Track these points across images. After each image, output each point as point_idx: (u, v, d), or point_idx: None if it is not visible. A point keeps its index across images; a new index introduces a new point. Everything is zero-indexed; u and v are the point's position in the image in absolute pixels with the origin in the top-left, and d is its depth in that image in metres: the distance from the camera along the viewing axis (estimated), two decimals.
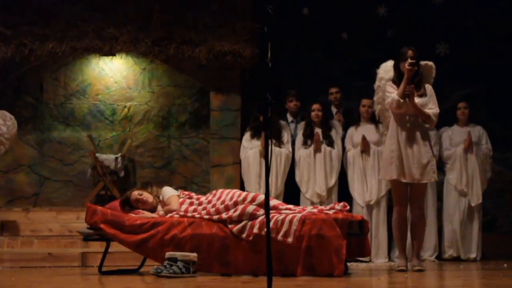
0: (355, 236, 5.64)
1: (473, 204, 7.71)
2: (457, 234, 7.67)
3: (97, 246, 7.04)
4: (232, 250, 5.58)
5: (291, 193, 7.63)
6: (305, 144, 7.65)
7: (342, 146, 7.72)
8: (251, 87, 8.22)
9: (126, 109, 8.85)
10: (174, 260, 5.33)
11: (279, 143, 7.62)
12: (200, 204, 5.91)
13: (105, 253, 5.95)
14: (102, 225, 5.77)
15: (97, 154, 8.44)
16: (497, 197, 8.57)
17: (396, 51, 6.01)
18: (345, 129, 7.89)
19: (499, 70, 8.65)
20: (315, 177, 7.56)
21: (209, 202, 5.87)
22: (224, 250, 5.59)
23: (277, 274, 5.21)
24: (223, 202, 5.76)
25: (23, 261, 7.07)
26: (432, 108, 5.89)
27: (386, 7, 8.94)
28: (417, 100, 5.84)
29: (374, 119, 7.52)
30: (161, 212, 6.01)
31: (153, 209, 6.08)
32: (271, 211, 5.57)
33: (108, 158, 8.40)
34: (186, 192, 6.21)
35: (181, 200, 6.03)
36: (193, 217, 5.79)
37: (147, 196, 6.08)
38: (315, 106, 7.66)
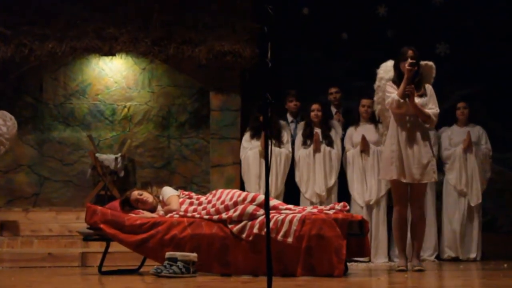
0: (355, 236, 5.64)
1: (472, 204, 7.71)
2: (456, 235, 7.67)
3: (97, 246, 7.04)
4: (232, 250, 5.58)
5: (291, 193, 7.63)
6: (304, 144, 7.66)
7: (341, 146, 7.72)
8: (251, 87, 8.22)
9: (126, 109, 8.85)
10: (174, 260, 5.33)
11: (279, 143, 7.62)
12: (200, 204, 5.91)
13: (105, 253, 5.95)
14: (102, 225, 5.77)
15: (97, 154, 8.43)
16: (497, 197, 8.57)
17: (396, 51, 6.01)
18: (344, 129, 7.89)
19: (499, 70, 8.65)
20: (314, 177, 7.56)
21: (209, 202, 5.87)
22: (224, 250, 5.58)
23: (277, 274, 5.21)
24: (223, 202, 5.76)
25: (23, 261, 7.07)
26: (432, 108, 5.89)
27: (386, 7, 8.94)
28: (417, 100, 5.84)
29: (373, 119, 7.52)
30: (161, 212, 6.01)
31: (153, 209, 6.07)
32: (271, 211, 5.56)
33: (108, 158, 8.40)
34: (186, 192, 6.21)
35: (181, 200, 6.03)
36: (193, 217, 5.79)
37: (147, 196, 6.08)
38: (315, 106, 7.66)
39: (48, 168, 8.69)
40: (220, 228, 5.65)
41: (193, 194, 6.15)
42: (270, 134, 3.96)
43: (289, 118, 8.04)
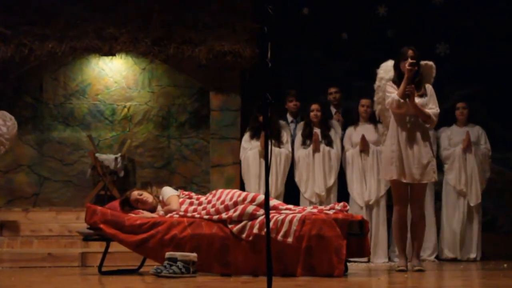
0: (355, 236, 5.64)
1: (472, 204, 7.71)
2: (456, 235, 7.67)
3: (97, 246, 7.04)
4: (232, 250, 5.57)
5: (291, 193, 7.62)
6: (304, 144, 7.65)
7: (341, 146, 7.71)
8: (251, 87, 8.22)
9: (126, 109, 8.85)
10: (174, 260, 5.33)
11: (279, 143, 7.61)
12: (200, 204, 5.91)
13: (105, 253, 5.95)
14: (102, 225, 5.76)
15: (97, 154, 8.43)
16: (497, 197, 8.57)
17: (396, 51, 6.01)
18: (344, 129, 7.88)
19: (499, 70, 8.65)
20: (314, 177, 7.56)
21: (209, 202, 5.87)
22: (224, 250, 5.58)
23: (277, 274, 5.20)
24: (223, 202, 5.76)
25: (22, 261, 7.07)
26: (432, 108, 5.89)
27: (386, 7, 8.94)
28: (417, 100, 5.83)
29: (372, 119, 7.52)
30: (161, 212, 6.00)
31: (153, 209, 6.07)
32: (271, 211, 5.56)
33: (108, 158, 8.40)
34: (186, 192, 6.21)
35: (181, 200, 6.03)
36: (193, 217, 5.78)
37: (147, 196, 6.08)
38: (314, 106, 7.65)
39: (48, 168, 8.69)
40: (220, 228, 5.65)
41: (193, 194, 6.14)
42: (269, 134, 3.96)
43: (289, 118, 8.04)
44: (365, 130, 7.60)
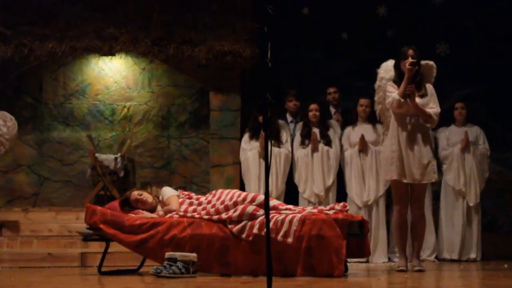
0: (355, 237, 5.63)
1: (471, 204, 7.70)
2: (456, 235, 7.67)
3: (96, 246, 7.04)
4: (232, 250, 5.57)
5: (290, 194, 7.62)
6: (302, 144, 7.65)
7: (340, 145, 7.70)
8: (251, 87, 8.22)
9: (125, 109, 8.84)
10: (173, 260, 5.33)
11: (278, 143, 7.60)
12: (199, 204, 5.91)
13: (105, 253, 5.94)
14: (101, 225, 5.76)
15: (97, 154, 8.43)
16: (497, 197, 8.57)
17: (396, 51, 6.00)
18: (343, 129, 7.87)
19: (499, 70, 8.65)
20: (313, 177, 7.55)
21: (209, 202, 5.86)
22: (224, 251, 5.58)
23: (277, 275, 5.20)
24: (222, 202, 5.76)
25: (22, 261, 7.06)
26: (433, 107, 5.89)
27: (386, 7, 8.93)
28: (418, 100, 5.83)
29: (371, 119, 7.52)
30: (161, 212, 6.00)
31: (152, 209, 6.07)
32: (271, 212, 5.56)
33: (107, 158, 8.40)
34: (186, 192, 6.21)
35: (180, 200, 6.02)
36: (192, 217, 5.78)
37: (146, 196, 6.07)
38: (313, 106, 7.65)
39: (47, 168, 8.69)
40: (220, 228, 5.64)
41: (192, 194, 6.14)
42: (269, 134, 3.96)
43: (289, 118, 8.04)
44: (364, 130, 7.59)
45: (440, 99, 6.02)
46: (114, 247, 6.13)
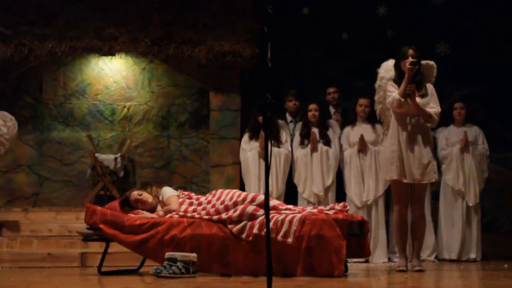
0: (355, 237, 5.63)
1: (470, 204, 7.70)
2: (455, 235, 7.66)
3: (96, 247, 7.03)
4: (232, 250, 5.57)
5: (290, 193, 7.61)
6: (302, 144, 7.64)
7: (339, 145, 7.69)
8: (251, 87, 8.21)
9: (125, 109, 8.84)
10: (173, 260, 5.32)
11: (278, 143, 7.59)
12: (199, 204, 5.91)
13: (105, 253, 5.94)
14: (101, 226, 5.76)
15: (97, 154, 8.43)
16: (497, 197, 8.57)
17: (396, 51, 6.00)
18: (343, 129, 7.86)
19: (499, 70, 8.65)
20: (312, 177, 7.54)
21: (209, 202, 5.86)
22: (224, 251, 5.58)
23: (277, 275, 5.20)
24: (222, 202, 5.75)
25: (22, 261, 7.06)
26: (433, 107, 5.88)
27: (386, 7, 8.93)
28: (418, 100, 5.83)
29: (370, 119, 7.52)
30: (161, 213, 6.00)
31: (152, 209, 6.07)
32: (271, 212, 5.56)
33: (107, 158, 8.39)
34: (186, 192, 6.20)
35: (180, 200, 6.02)
36: (192, 217, 5.78)
37: (146, 196, 6.07)
38: (312, 106, 7.65)
39: (47, 168, 8.69)
40: (220, 228, 5.64)
41: (192, 194, 6.14)
42: (269, 134, 3.96)
43: (288, 118, 8.03)
44: (363, 130, 7.59)
45: (440, 99, 6.02)
46: (114, 247, 6.12)
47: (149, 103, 8.85)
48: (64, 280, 5.44)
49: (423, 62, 6.01)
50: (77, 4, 8.34)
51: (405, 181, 5.87)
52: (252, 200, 5.69)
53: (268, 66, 3.86)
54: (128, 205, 6.06)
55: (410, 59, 5.81)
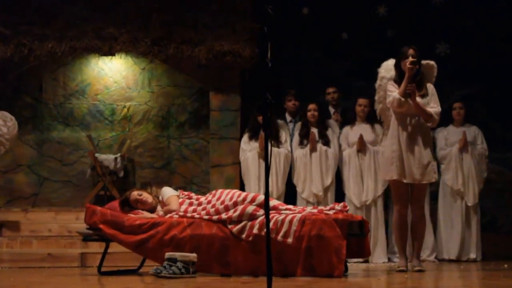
0: (355, 237, 5.63)
1: (469, 204, 7.70)
2: (455, 236, 7.66)
3: (96, 247, 7.03)
4: (232, 250, 5.57)
5: (289, 193, 7.61)
6: (301, 144, 7.64)
7: (338, 145, 7.69)
8: (251, 87, 8.21)
9: (125, 109, 8.84)
10: (173, 260, 5.32)
11: (277, 143, 7.58)
12: (199, 204, 5.90)
13: (105, 253, 5.94)
14: (101, 226, 5.76)
15: (97, 154, 8.42)
16: (497, 197, 8.56)
17: (396, 51, 6.00)
18: (342, 129, 7.86)
19: (499, 70, 8.65)
20: (311, 177, 7.54)
21: (209, 202, 5.86)
22: (223, 251, 5.57)
23: (277, 275, 5.19)
24: (222, 203, 5.75)
25: (22, 262, 7.06)
26: (434, 107, 5.88)
27: (386, 7, 8.93)
28: (419, 99, 5.82)
29: (370, 119, 7.52)
30: (161, 213, 5.99)
31: (152, 210, 6.06)
32: (270, 212, 5.56)
33: (107, 158, 8.39)
34: (186, 193, 6.20)
35: (180, 200, 6.02)
36: (192, 217, 5.78)
37: (146, 196, 6.07)
38: (311, 106, 7.64)
39: (47, 168, 8.69)
40: (219, 228, 5.64)
41: (192, 195, 6.14)
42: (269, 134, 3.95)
43: (288, 117, 8.03)
44: (362, 130, 7.59)
45: (440, 99, 6.02)
46: (114, 247, 6.12)
47: (149, 103, 8.85)
48: (64, 280, 5.44)
49: (424, 62, 6.01)
50: (77, 4, 8.34)
51: (405, 181, 5.86)
52: (252, 200, 5.69)
53: (268, 66, 3.86)
54: (128, 205, 6.06)
55: (410, 58, 5.80)
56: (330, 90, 8.18)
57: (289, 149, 7.67)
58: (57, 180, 8.69)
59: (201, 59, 8.20)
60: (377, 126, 7.54)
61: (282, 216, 5.55)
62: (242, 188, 7.69)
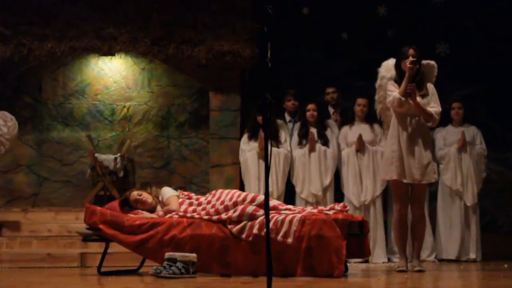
0: (355, 237, 5.63)
1: (468, 204, 7.69)
2: (454, 236, 7.65)
3: (96, 247, 7.02)
4: (231, 250, 5.56)
5: (288, 193, 7.60)
6: (300, 144, 7.64)
7: (337, 145, 7.68)
8: (251, 87, 8.21)
9: (125, 109, 8.83)
10: (173, 260, 5.32)
11: (277, 143, 7.58)
12: (199, 204, 5.90)
13: (104, 253, 5.93)
14: (101, 226, 5.75)
15: (96, 154, 8.42)
16: (497, 197, 8.56)
17: (396, 51, 6.00)
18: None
19: (499, 70, 8.64)
20: (310, 177, 7.53)
21: (209, 202, 5.86)
22: (223, 251, 5.57)
23: (277, 275, 5.19)
24: (222, 203, 5.75)
25: (22, 262, 7.05)
26: (434, 107, 5.88)
27: (386, 7, 8.92)
28: (419, 99, 5.82)
29: (368, 119, 7.52)
30: (161, 213, 5.99)
31: (152, 210, 6.06)
32: (270, 212, 5.55)
33: (107, 158, 8.39)
34: (186, 193, 6.20)
35: (180, 200, 6.01)
36: (192, 217, 5.77)
37: (146, 196, 6.06)
38: (310, 106, 7.64)
39: (47, 168, 8.68)
40: (219, 228, 5.64)
41: (192, 195, 6.13)
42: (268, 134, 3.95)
43: (287, 117, 8.02)
44: (361, 129, 7.58)
45: (440, 99, 6.01)
46: (114, 247, 6.12)
47: (148, 103, 8.85)
48: (63, 281, 5.43)
49: (424, 62, 6.00)
50: (77, 4, 8.33)
51: (405, 181, 5.86)
52: (252, 200, 5.69)
53: (268, 66, 3.86)
54: (128, 205, 6.05)
55: (411, 58, 5.80)
56: (330, 90, 8.18)
57: (289, 149, 7.66)
58: (57, 180, 8.68)
59: (201, 59, 8.20)
60: (376, 126, 7.54)
61: (282, 216, 5.54)
62: (242, 188, 7.68)
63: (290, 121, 8.00)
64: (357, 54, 8.67)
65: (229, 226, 5.62)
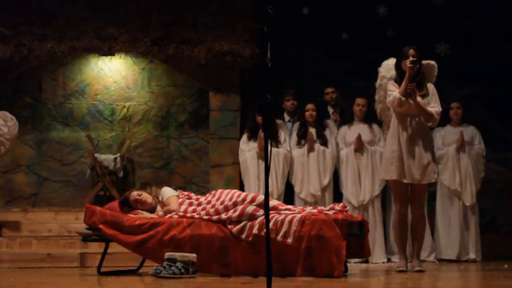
0: (355, 237, 5.63)
1: (467, 204, 7.68)
2: (453, 236, 7.64)
3: (96, 247, 7.02)
4: (231, 250, 5.56)
5: (287, 193, 7.60)
6: (299, 144, 7.63)
7: (336, 145, 7.68)
8: (251, 87, 8.21)
9: (125, 109, 8.83)
10: (173, 260, 5.32)
11: (276, 143, 7.57)
12: (199, 204, 5.90)
13: (104, 253, 5.93)
14: (101, 226, 5.75)
15: (96, 154, 8.42)
16: (497, 197, 8.56)
17: (396, 51, 6.00)
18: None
19: (499, 70, 8.64)
20: (309, 177, 7.53)
21: (209, 202, 5.85)
22: (223, 251, 5.57)
23: (277, 275, 5.19)
24: (222, 203, 5.75)
25: (22, 262, 7.06)
26: (434, 106, 5.87)
27: (386, 7, 8.92)
28: (419, 99, 5.82)
29: (367, 119, 7.51)
30: (160, 213, 5.99)
31: (152, 210, 6.06)
32: (270, 212, 5.55)
33: (107, 158, 8.39)
34: (186, 193, 6.19)
35: (180, 200, 6.01)
36: (192, 217, 5.77)
37: (146, 196, 6.06)
38: (309, 106, 7.64)
39: (47, 168, 8.68)
40: (219, 228, 5.63)
41: (192, 195, 6.13)
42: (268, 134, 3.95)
43: (286, 117, 8.02)
44: (360, 129, 7.58)
45: (440, 99, 6.01)
46: (114, 247, 6.11)
47: (148, 103, 8.84)
48: (63, 281, 5.43)
49: (424, 62, 6.00)
50: (77, 4, 8.33)
51: (405, 181, 5.86)
52: (252, 201, 5.68)
53: (268, 66, 3.86)
54: (128, 205, 6.05)
55: (411, 58, 5.80)
56: (329, 90, 8.18)
57: (288, 149, 7.66)
58: (56, 180, 8.68)
59: (201, 59, 8.20)
60: (375, 126, 7.54)
61: (282, 216, 5.54)
62: (241, 188, 7.68)
63: (289, 121, 7.99)
64: (357, 54, 8.67)
65: (229, 226, 5.61)
